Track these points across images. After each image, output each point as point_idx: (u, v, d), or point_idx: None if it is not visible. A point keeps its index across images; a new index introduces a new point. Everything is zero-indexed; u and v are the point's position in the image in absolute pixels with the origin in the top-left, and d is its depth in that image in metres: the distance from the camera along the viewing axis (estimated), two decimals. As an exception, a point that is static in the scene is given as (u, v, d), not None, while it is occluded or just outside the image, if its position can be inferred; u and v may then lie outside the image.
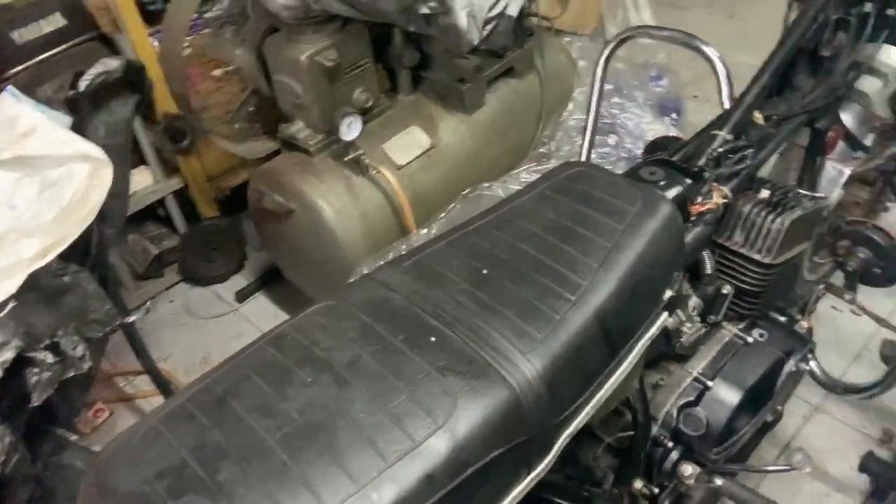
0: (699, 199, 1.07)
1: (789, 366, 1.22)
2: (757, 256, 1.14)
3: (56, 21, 1.81)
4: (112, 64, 1.32)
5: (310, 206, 1.77)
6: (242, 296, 2.29)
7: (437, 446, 0.68)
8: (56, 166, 1.00)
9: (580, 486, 1.05)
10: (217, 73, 2.04)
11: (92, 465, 0.69)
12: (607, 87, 2.16)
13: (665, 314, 0.93)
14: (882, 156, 1.36)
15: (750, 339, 1.20)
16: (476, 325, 0.79)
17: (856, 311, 1.71)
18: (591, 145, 1.57)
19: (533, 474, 0.78)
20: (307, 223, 1.80)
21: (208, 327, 2.23)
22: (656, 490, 1.17)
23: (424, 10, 1.65)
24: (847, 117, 1.42)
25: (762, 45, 1.30)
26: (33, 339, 1.00)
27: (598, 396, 0.84)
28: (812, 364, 1.36)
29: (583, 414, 0.82)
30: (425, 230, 1.81)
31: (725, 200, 1.07)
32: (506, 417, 0.72)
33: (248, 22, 1.86)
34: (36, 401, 1.03)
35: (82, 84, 1.29)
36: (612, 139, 2.09)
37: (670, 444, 1.14)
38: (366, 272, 0.91)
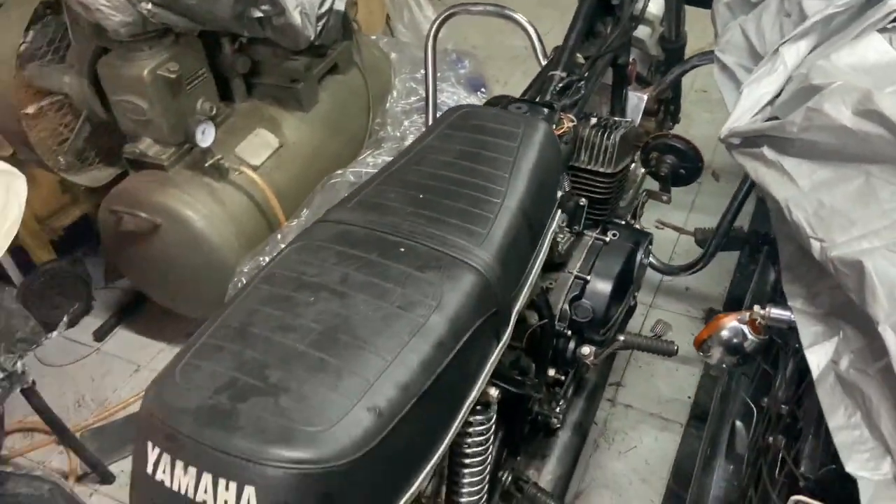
0: (554, 126, 1.31)
1: (639, 255, 1.50)
2: (601, 169, 1.41)
3: None
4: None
5: (177, 217, 1.79)
6: (101, 334, 2.20)
7: (438, 322, 0.83)
8: (-33, 184, 0.99)
9: (514, 372, 1.24)
10: (31, 109, 1.96)
11: (144, 405, 0.75)
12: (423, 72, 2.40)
13: (559, 211, 1.15)
14: (662, 83, 1.70)
15: (607, 239, 1.46)
16: (431, 233, 0.94)
17: (658, 225, 2.08)
18: (435, 115, 1.77)
19: (502, 342, 0.95)
20: (176, 235, 1.81)
21: (71, 373, 2.12)
22: (562, 377, 1.40)
23: (258, 13, 1.75)
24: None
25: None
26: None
27: (532, 276, 1.03)
28: (651, 257, 1.67)
29: (525, 290, 1.01)
30: (295, 221, 1.91)
31: (573, 124, 1.32)
32: (480, 293, 0.89)
33: (72, 48, 1.83)
34: (-11, 420, 1.01)
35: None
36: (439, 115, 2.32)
37: (569, 333, 1.37)
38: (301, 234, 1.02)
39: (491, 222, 0.97)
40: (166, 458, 0.71)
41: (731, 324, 0.97)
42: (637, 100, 1.67)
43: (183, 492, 0.70)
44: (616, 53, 1.53)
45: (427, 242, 0.93)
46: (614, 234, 1.48)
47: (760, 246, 1.72)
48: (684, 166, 1.65)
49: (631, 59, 1.63)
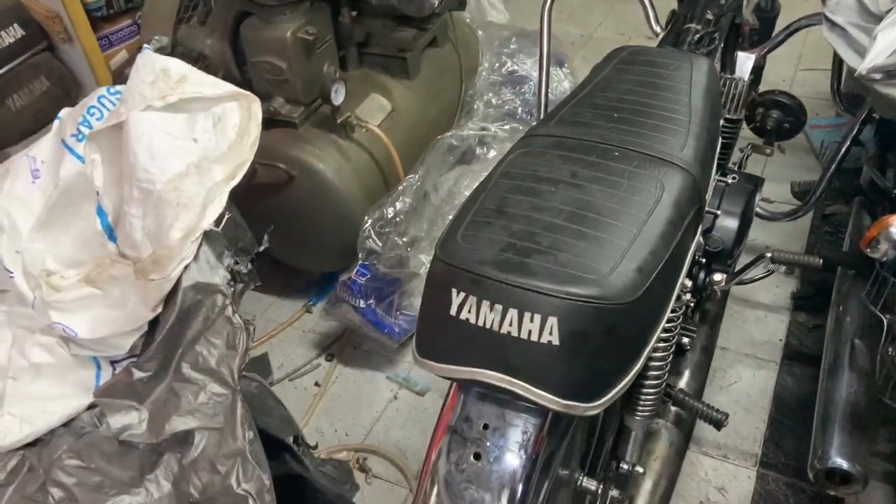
0: (694, 72, 1.45)
1: (757, 197, 1.65)
2: (728, 115, 1.56)
3: (16, 32, 1.80)
4: (164, 40, 1.42)
5: (310, 170, 1.93)
6: (214, 289, 2.34)
7: (665, 205, 0.97)
8: (215, 105, 1.12)
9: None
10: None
11: (437, 261, 0.89)
12: (513, 47, 2.55)
13: (720, 139, 1.30)
14: (771, 42, 1.85)
15: (729, 181, 1.61)
16: (636, 142, 1.08)
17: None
18: (548, 85, 1.89)
19: (696, 239, 1.10)
20: (308, 187, 1.95)
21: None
22: (692, 304, 1.54)
23: (389, -20, 1.90)
24: (730, 26, 1.90)
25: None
26: (232, 252, 1.11)
27: (709, 192, 1.18)
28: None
29: (707, 196, 1.15)
30: (412, 177, 2.05)
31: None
32: (690, 188, 1.03)
33: (213, 13, 1.97)
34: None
35: (143, 58, 1.38)
36: (527, 87, 2.47)
37: (703, 261, 1.51)
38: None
39: (684, 135, 1.11)
40: (472, 299, 0.85)
41: (898, 221, 1.12)
42: (745, 58, 1.81)
43: (489, 326, 0.84)
44: (734, 14, 1.68)
45: (636, 148, 1.07)
46: (734, 177, 1.63)
47: (853, 195, 1.87)
48: (788, 120, 1.79)
49: (746, 21, 1.77)
